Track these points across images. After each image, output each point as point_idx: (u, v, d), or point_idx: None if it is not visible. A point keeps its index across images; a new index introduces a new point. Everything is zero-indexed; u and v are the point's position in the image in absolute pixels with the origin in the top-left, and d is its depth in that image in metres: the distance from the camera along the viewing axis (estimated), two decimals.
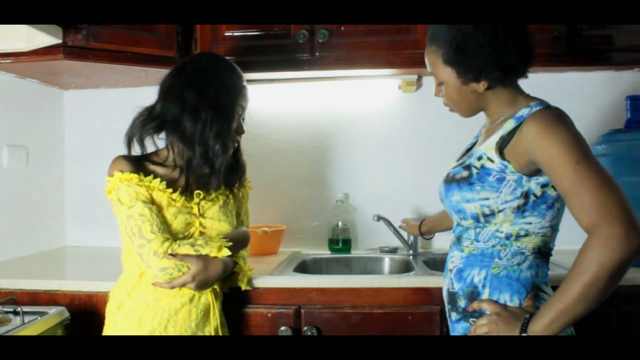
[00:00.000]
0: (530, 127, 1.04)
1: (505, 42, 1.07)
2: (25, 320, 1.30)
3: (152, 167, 1.33)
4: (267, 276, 1.54)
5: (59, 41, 1.59)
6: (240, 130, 1.38)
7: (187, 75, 1.32)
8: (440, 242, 2.00)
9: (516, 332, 1.00)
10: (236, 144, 1.40)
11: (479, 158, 1.11)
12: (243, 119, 1.40)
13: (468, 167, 1.13)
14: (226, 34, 1.82)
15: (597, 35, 1.72)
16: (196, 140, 1.27)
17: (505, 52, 1.07)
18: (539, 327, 0.97)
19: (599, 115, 1.96)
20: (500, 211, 1.09)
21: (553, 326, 0.96)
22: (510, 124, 1.09)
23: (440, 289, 1.41)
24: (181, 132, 1.28)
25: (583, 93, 1.98)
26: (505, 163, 1.07)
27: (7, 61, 1.66)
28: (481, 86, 1.11)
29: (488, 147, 1.11)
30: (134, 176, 1.27)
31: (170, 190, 1.30)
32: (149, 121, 1.30)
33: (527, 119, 1.06)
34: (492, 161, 1.09)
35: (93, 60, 1.67)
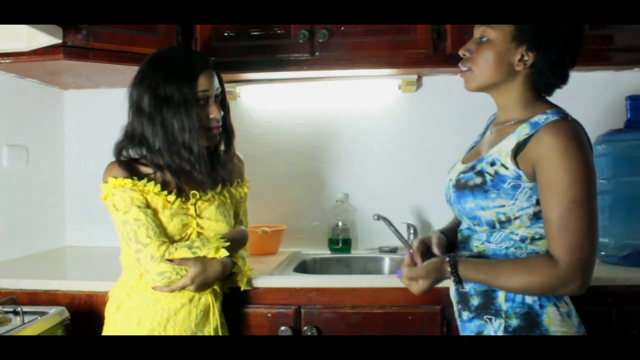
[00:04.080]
0: (543, 140, 1.02)
1: (578, 47, 1.10)
2: (25, 320, 1.30)
3: (146, 170, 1.32)
4: (267, 276, 1.54)
5: (59, 41, 1.59)
6: (213, 114, 1.30)
7: (138, 85, 1.30)
8: None
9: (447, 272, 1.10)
10: (219, 129, 1.34)
11: (492, 164, 1.09)
12: (217, 101, 1.33)
13: (481, 174, 1.10)
14: (226, 34, 1.82)
15: (597, 35, 1.71)
16: (162, 145, 1.27)
17: (570, 49, 1.08)
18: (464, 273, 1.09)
19: (599, 115, 1.96)
20: (516, 218, 1.07)
21: (470, 278, 1.09)
22: (524, 130, 1.06)
23: (440, 289, 1.41)
24: (147, 143, 1.28)
25: (583, 93, 1.97)
26: (520, 172, 1.05)
27: (7, 61, 1.66)
28: (522, 65, 1.08)
29: (502, 154, 1.08)
30: (128, 181, 1.27)
31: (165, 192, 1.30)
32: (126, 142, 1.31)
33: (542, 129, 1.03)
34: (506, 168, 1.06)
35: (93, 60, 1.67)
